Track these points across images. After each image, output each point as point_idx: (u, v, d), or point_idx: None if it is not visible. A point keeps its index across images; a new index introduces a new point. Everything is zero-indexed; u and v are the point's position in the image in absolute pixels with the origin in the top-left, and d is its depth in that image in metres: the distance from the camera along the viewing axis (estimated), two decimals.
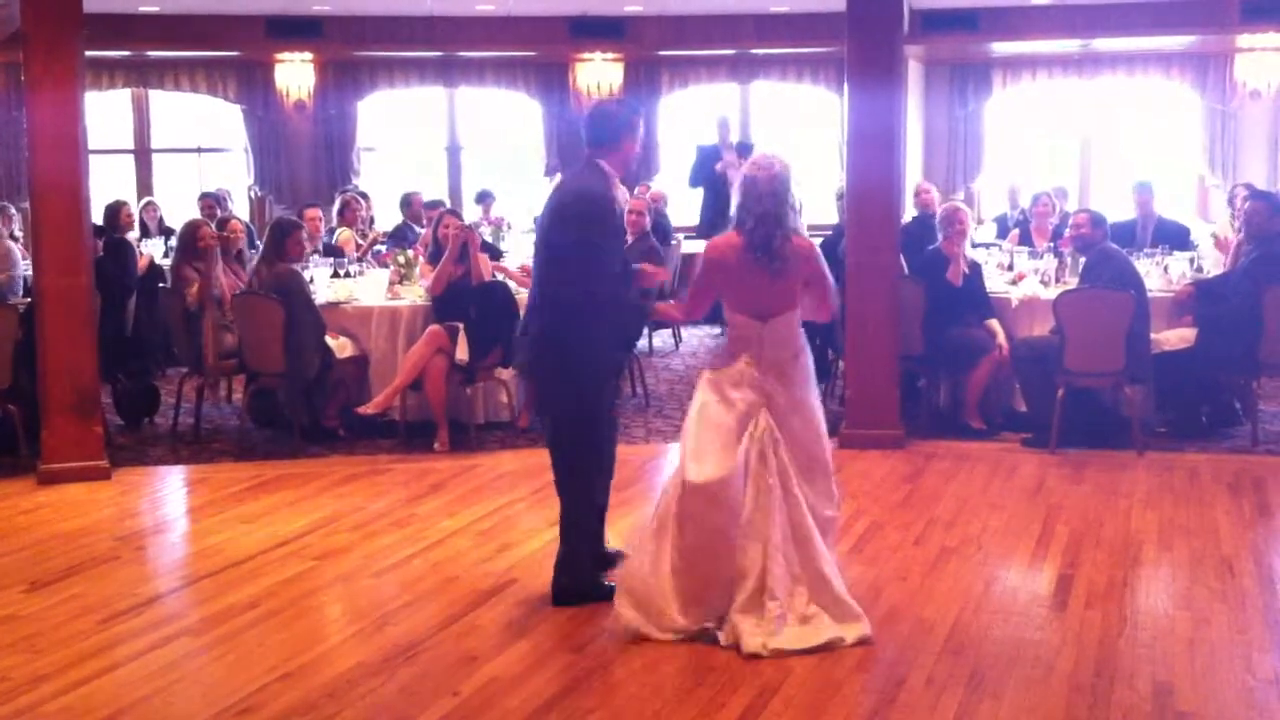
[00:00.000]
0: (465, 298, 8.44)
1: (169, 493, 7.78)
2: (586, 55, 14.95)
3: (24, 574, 6.01)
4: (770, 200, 5.10)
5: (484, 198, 13.79)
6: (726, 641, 4.95)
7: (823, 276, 5.25)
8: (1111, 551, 6.10)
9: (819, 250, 5.28)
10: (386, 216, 13.69)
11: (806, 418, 5.16)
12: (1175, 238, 10.13)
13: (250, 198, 15.32)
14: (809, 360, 5.24)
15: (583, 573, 5.48)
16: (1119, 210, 11.57)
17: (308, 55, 14.86)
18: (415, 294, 8.94)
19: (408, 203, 12.14)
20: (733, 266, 5.16)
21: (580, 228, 5.27)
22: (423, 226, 11.43)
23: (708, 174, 13.38)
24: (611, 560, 5.53)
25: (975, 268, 8.82)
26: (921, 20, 13.11)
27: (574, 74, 15.07)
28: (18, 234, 11.49)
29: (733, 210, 5.23)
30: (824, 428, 5.23)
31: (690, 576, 5.06)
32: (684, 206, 14.19)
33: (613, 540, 5.76)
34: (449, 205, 12.21)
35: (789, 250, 5.11)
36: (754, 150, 13.80)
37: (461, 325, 8.33)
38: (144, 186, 15.29)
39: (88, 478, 7.63)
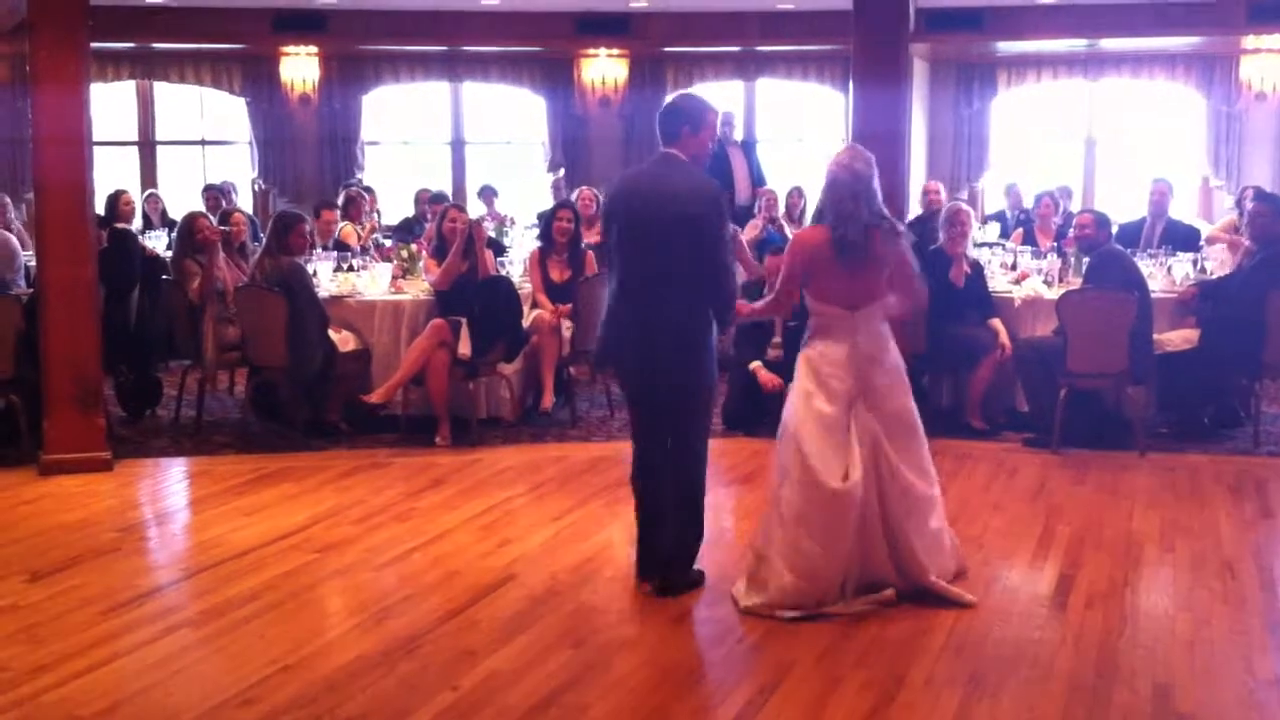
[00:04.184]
0: (469, 292, 8.43)
1: (170, 485, 7.78)
2: (591, 51, 14.93)
3: (25, 564, 6.01)
4: (851, 202, 5.29)
5: (486, 192, 13.78)
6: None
7: (905, 271, 5.45)
8: (1112, 552, 6.10)
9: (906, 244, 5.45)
10: (392, 211, 13.72)
11: (902, 402, 5.47)
12: (1185, 241, 10.09)
13: (254, 191, 15.32)
14: (896, 350, 5.48)
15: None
16: (1124, 211, 11.57)
17: (313, 49, 14.84)
18: (418, 288, 8.94)
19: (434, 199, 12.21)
20: (821, 258, 5.33)
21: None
22: (427, 221, 11.46)
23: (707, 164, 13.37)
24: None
25: (977, 267, 8.82)
26: (927, 19, 13.06)
27: (579, 70, 15.06)
28: (13, 222, 11.45)
29: (819, 204, 5.46)
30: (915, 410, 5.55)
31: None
32: None
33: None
34: (452, 200, 12.24)
35: (873, 247, 5.30)
36: (756, 146, 13.93)
37: (464, 320, 8.32)
38: (148, 179, 15.28)
39: (89, 469, 7.63)
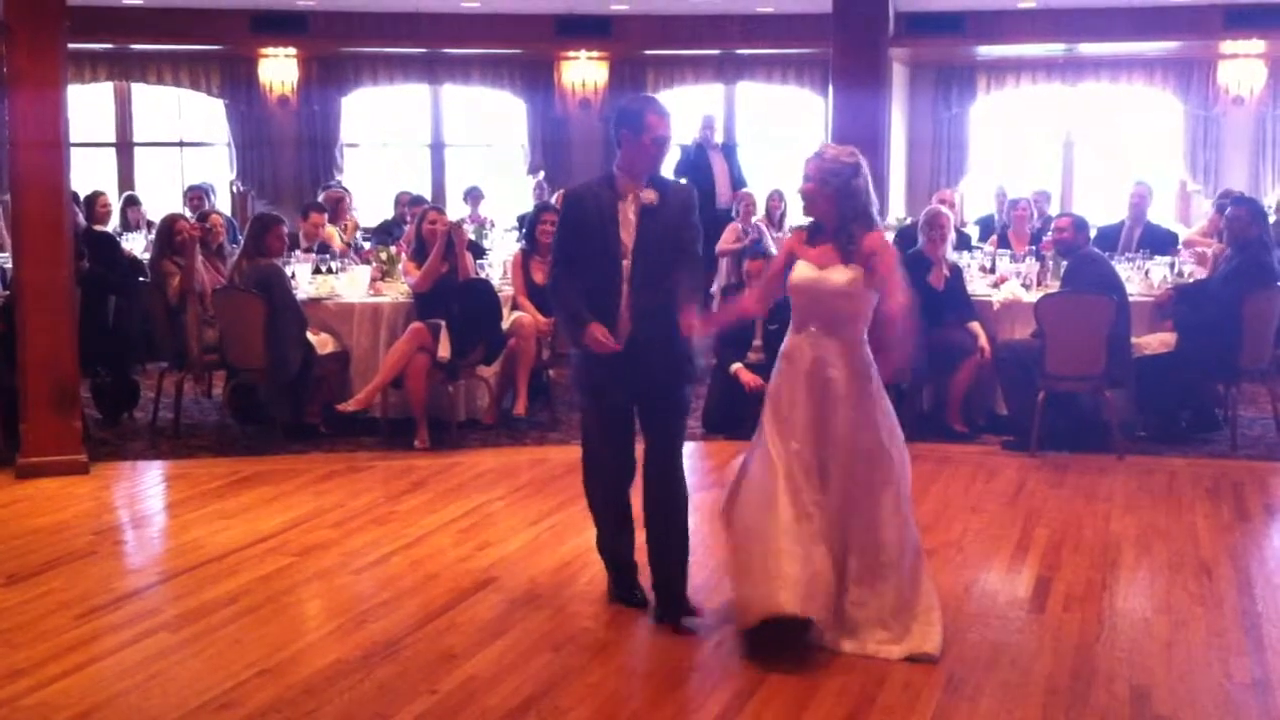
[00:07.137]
0: (449, 295, 8.41)
1: (147, 488, 7.74)
2: (572, 53, 14.94)
3: (1, 568, 5.97)
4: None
5: (472, 194, 13.77)
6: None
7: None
8: (1090, 555, 6.12)
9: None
10: (371, 214, 13.68)
11: None
12: (1163, 245, 10.17)
13: (232, 193, 15.28)
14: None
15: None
16: (1103, 214, 11.63)
17: (292, 50, 14.81)
18: (397, 290, 8.92)
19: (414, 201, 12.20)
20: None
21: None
22: (406, 223, 11.44)
23: (687, 167, 13.40)
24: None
25: (956, 270, 8.84)
26: (907, 23, 13.13)
27: (559, 72, 15.06)
28: None
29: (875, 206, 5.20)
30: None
31: None
32: None
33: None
34: (431, 202, 12.21)
35: None
36: (737, 149, 13.94)
37: (444, 322, 8.30)
38: (125, 180, 15.23)
39: (66, 472, 7.59)
